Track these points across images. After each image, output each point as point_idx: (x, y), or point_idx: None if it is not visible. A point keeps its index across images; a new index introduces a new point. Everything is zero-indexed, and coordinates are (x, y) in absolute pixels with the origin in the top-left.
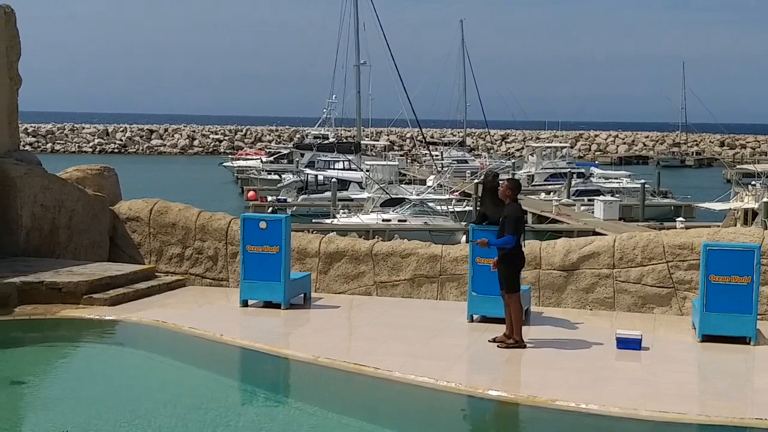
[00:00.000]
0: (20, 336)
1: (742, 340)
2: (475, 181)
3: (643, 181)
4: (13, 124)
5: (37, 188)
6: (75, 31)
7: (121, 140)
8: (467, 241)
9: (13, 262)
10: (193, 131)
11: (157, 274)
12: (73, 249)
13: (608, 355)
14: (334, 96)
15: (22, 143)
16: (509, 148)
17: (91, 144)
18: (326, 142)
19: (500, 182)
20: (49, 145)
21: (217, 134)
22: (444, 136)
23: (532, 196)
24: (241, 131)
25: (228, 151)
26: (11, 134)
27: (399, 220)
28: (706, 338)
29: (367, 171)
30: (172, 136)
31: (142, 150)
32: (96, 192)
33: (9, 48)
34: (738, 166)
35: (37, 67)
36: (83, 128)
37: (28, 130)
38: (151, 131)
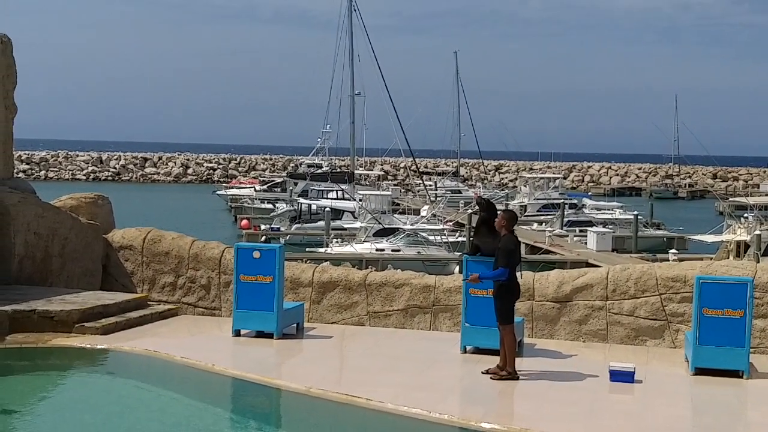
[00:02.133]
0: (11, 364)
1: (735, 374)
2: (469, 211)
3: (636, 212)
4: (8, 152)
5: (30, 216)
6: (70, 59)
7: (114, 168)
8: (461, 272)
9: (5, 290)
10: (187, 159)
11: (149, 303)
12: (65, 277)
13: (601, 387)
14: (328, 125)
15: (15, 170)
16: (503, 179)
17: (84, 171)
18: (320, 171)
19: (496, 212)
20: (42, 172)
21: (211, 162)
22: (438, 166)
23: (525, 227)
24: (235, 160)
25: (222, 179)
26: (6, 162)
27: (392, 250)
28: (699, 371)
29: (360, 200)
30: (166, 164)
31: (136, 178)
32: (90, 220)
33: (5, 77)
34: (731, 199)
35: (31, 94)
36: (77, 156)
37: (22, 158)
38: (145, 159)
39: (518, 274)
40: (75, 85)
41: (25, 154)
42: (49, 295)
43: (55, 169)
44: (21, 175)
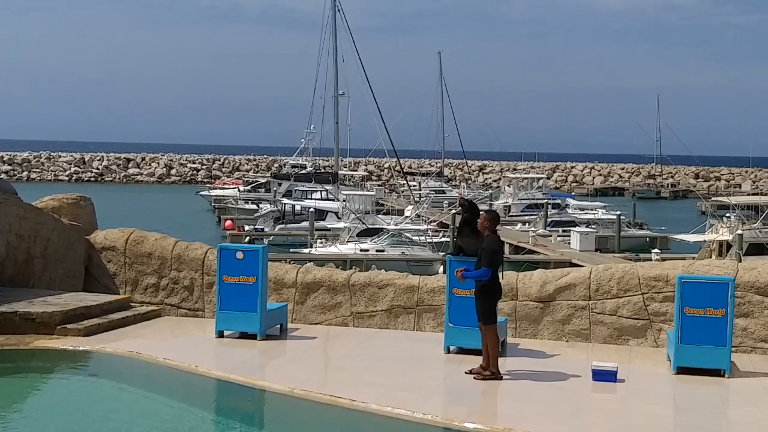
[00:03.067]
0: None
1: (716, 373)
2: (453, 211)
3: (618, 212)
4: None
5: (12, 217)
6: (53, 57)
7: (97, 169)
8: (444, 272)
9: None
10: (171, 160)
11: (132, 304)
12: (47, 279)
13: (584, 387)
14: (312, 126)
15: None
16: (486, 179)
17: (67, 172)
18: (304, 171)
19: (479, 213)
20: (25, 173)
21: (194, 163)
22: (422, 167)
23: (509, 227)
24: (219, 160)
25: (205, 180)
26: None
27: (377, 250)
28: (681, 370)
29: (344, 201)
30: (150, 165)
31: (119, 179)
32: (72, 221)
33: None
34: (713, 199)
35: (13, 93)
36: (60, 156)
37: (4, 158)
38: (128, 160)
39: (500, 274)
40: (58, 85)
41: (7, 155)
42: (31, 296)
43: (38, 170)
44: (3, 176)
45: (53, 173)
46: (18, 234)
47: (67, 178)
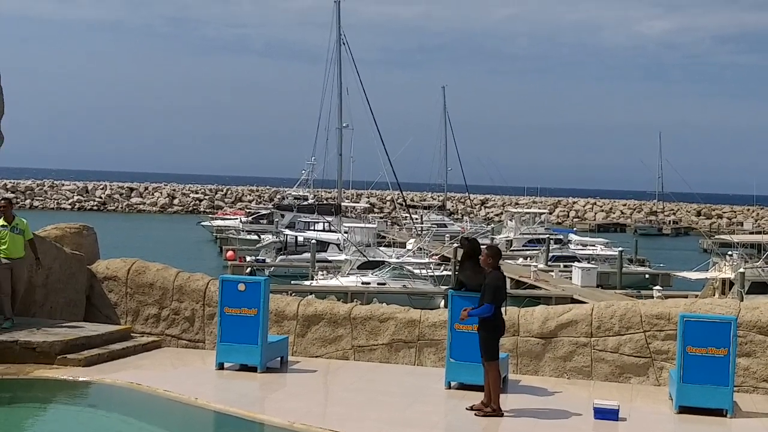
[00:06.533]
0: None
1: (718, 413)
2: (455, 245)
3: (620, 248)
4: None
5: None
6: (56, 87)
7: (100, 197)
8: (446, 306)
9: None
10: (173, 190)
11: (133, 334)
12: (48, 308)
13: (586, 425)
14: (313, 158)
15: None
16: (488, 213)
17: (70, 201)
18: (306, 203)
19: (480, 248)
20: (28, 201)
21: (197, 193)
22: (424, 200)
23: (510, 261)
24: (222, 191)
25: (208, 210)
26: None
27: (378, 283)
28: (683, 410)
29: (346, 233)
30: (152, 194)
31: (122, 208)
32: (74, 250)
33: None
34: (716, 236)
35: (17, 120)
36: (63, 185)
37: (7, 186)
38: (131, 189)
39: (503, 310)
40: (61, 114)
41: (10, 182)
42: (32, 325)
43: (41, 198)
44: None
45: (56, 201)
46: None
47: (69, 207)
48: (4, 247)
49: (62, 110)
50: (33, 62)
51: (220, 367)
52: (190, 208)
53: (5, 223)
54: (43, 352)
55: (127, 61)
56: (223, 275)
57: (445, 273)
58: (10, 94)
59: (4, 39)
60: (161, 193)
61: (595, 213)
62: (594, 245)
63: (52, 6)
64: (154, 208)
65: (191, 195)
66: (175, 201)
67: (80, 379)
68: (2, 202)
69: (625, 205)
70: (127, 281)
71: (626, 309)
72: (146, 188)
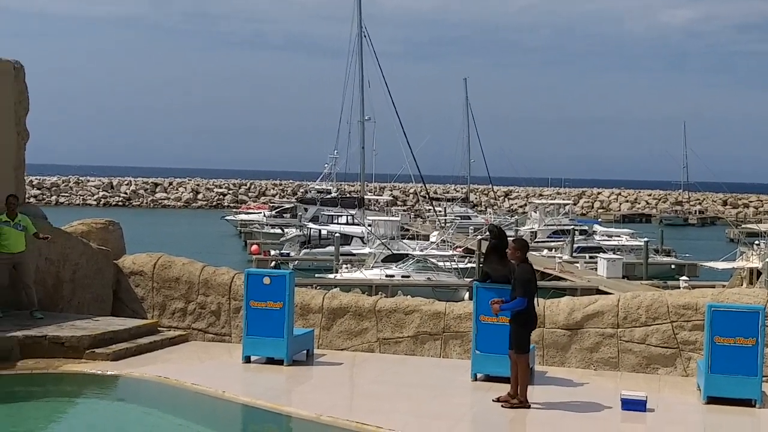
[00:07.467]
0: (22, 390)
1: (747, 403)
2: (479, 237)
3: (646, 239)
4: (20, 178)
5: (41, 242)
6: (77, 85)
7: (125, 193)
8: (470, 298)
9: (16, 316)
10: (197, 185)
11: (159, 328)
12: (76, 303)
13: (613, 416)
14: (336, 151)
15: (26, 196)
16: (512, 205)
17: (95, 197)
18: (330, 196)
19: (506, 239)
20: (53, 197)
21: (221, 188)
22: (447, 192)
23: (535, 253)
24: (245, 185)
25: (232, 204)
26: (18, 188)
27: (402, 276)
28: (711, 400)
29: (369, 226)
30: (177, 189)
31: (146, 203)
32: (100, 246)
33: (18, 103)
34: (742, 226)
35: (43, 119)
36: (88, 181)
37: (33, 183)
38: (156, 184)
39: (535, 303)
40: (86, 111)
41: (36, 179)
42: (60, 320)
43: (66, 195)
44: (32, 200)
45: (81, 197)
46: (47, 258)
47: (95, 203)
48: (6, 242)
49: (85, 107)
50: (54, 59)
51: (247, 360)
52: (214, 203)
53: (8, 219)
54: (72, 346)
55: (149, 58)
56: (248, 269)
57: (469, 265)
58: (35, 92)
59: (25, 36)
60: (185, 188)
61: (620, 203)
62: (619, 236)
63: (72, 4)
64: (178, 203)
65: (215, 190)
66: (199, 196)
67: (108, 373)
68: (10, 198)
69: (650, 195)
70: (153, 276)
71: (653, 300)
72: (170, 183)
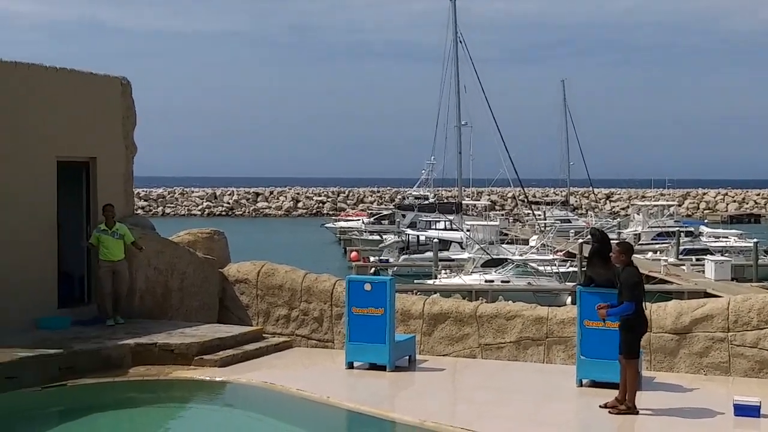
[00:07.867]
0: (134, 397)
1: None
2: (580, 241)
3: (755, 239)
4: (129, 191)
5: (150, 252)
6: (182, 98)
7: (228, 203)
8: (573, 303)
9: (128, 324)
10: (297, 194)
11: (264, 335)
12: (184, 311)
13: (726, 423)
14: (433, 157)
15: (135, 207)
16: (614, 207)
17: (199, 207)
18: (427, 202)
19: (609, 243)
20: (160, 208)
21: (320, 196)
22: (546, 195)
23: (639, 256)
24: (344, 193)
25: (331, 212)
26: (127, 200)
27: (502, 281)
28: None
29: (468, 231)
30: (277, 198)
31: (248, 212)
32: (206, 255)
33: (125, 118)
34: None
35: (150, 132)
36: (192, 192)
37: (140, 195)
38: (257, 194)
39: (644, 307)
40: (189, 125)
41: (143, 191)
42: (169, 328)
43: (172, 205)
44: (140, 211)
45: (186, 208)
46: (156, 268)
47: (199, 213)
48: (106, 250)
49: (189, 121)
50: (159, 75)
51: (350, 366)
52: (314, 211)
53: (106, 228)
54: (181, 353)
55: (251, 71)
56: (349, 276)
57: (570, 269)
58: (140, 107)
59: (133, 53)
60: (286, 197)
61: (727, 204)
62: (727, 237)
63: (179, 21)
64: (279, 212)
65: (314, 198)
66: (299, 204)
67: (217, 379)
68: (107, 207)
69: (758, 194)
70: (258, 283)
71: (765, 302)
72: (271, 192)
